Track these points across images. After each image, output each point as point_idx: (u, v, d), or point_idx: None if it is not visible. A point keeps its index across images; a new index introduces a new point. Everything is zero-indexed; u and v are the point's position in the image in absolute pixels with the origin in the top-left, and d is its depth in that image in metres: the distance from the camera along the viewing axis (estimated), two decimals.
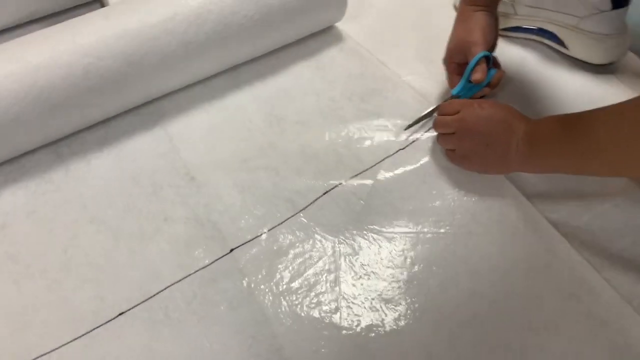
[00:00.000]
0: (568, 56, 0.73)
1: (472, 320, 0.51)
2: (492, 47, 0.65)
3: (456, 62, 0.66)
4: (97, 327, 0.51)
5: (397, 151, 0.64)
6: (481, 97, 0.66)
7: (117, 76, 0.61)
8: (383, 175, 0.62)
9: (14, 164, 0.62)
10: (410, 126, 0.65)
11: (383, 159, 0.63)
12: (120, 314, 0.52)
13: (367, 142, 0.65)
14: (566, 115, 0.51)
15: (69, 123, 0.62)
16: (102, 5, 0.82)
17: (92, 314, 0.52)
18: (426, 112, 0.66)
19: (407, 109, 0.68)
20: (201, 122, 0.68)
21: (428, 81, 0.72)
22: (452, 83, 0.67)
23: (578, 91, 0.71)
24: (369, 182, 0.61)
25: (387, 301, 0.52)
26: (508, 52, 0.76)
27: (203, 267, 0.55)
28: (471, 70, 0.62)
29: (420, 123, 0.66)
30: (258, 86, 0.72)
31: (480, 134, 0.57)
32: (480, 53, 0.61)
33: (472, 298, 0.53)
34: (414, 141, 0.65)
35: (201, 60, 0.67)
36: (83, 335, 0.50)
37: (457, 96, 0.64)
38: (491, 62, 0.64)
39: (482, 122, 0.57)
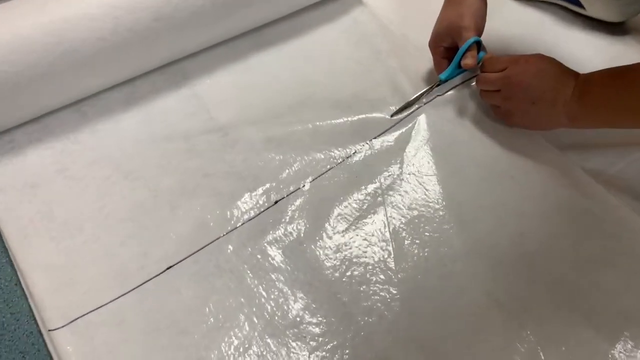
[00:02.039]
0: (584, 17, 0.75)
1: (523, 259, 0.52)
2: (481, 32, 0.63)
3: (444, 46, 0.63)
4: (146, 282, 0.49)
5: (433, 98, 0.65)
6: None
7: (145, 31, 0.59)
8: (421, 124, 0.62)
9: (37, 124, 0.59)
10: (397, 112, 0.63)
11: (416, 109, 0.64)
12: (168, 268, 0.50)
13: (399, 97, 0.65)
14: (615, 68, 0.51)
15: (95, 80, 0.60)
16: None
17: (138, 270, 0.50)
18: (415, 96, 0.64)
19: (430, 68, 0.69)
20: (227, 82, 0.66)
21: None
22: (439, 67, 0.65)
23: (595, 50, 0.73)
24: (406, 131, 0.61)
25: (439, 243, 0.52)
26: (526, 16, 0.77)
27: (250, 219, 0.53)
28: (462, 55, 0.60)
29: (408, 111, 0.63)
30: (282, 47, 0.71)
31: (526, 91, 0.56)
32: (471, 38, 0.59)
33: (522, 238, 0.53)
34: (447, 91, 0.66)
35: (228, 17, 0.65)
36: (133, 289, 0.49)
37: (444, 80, 0.63)
38: (481, 47, 0.62)
39: (528, 80, 0.55)
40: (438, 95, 0.65)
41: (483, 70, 0.61)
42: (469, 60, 0.60)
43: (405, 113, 0.63)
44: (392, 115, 0.63)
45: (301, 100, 0.65)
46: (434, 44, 0.65)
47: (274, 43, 0.71)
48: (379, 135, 0.61)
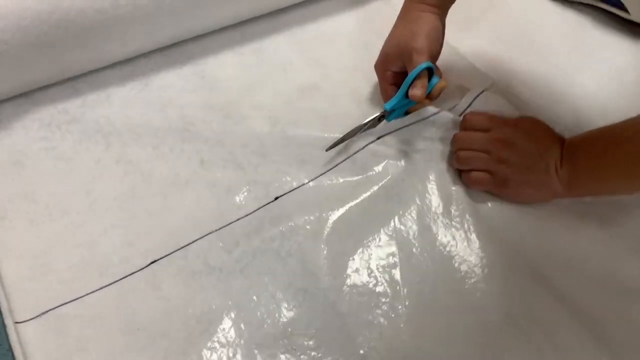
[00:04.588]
0: (627, 22, 0.69)
1: (544, 279, 0.47)
2: (436, 56, 0.55)
3: (392, 70, 0.55)
4: (128, 276, 0.45)
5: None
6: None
7: (149, 6, 0.55)
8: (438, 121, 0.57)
9: (25, 97, 0.56)
10: (333, 146, 0.52)
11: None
12: (153, 262, 0.46)
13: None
14: (601, 128, 0.47)
15: (91, 55, 0.56)
16: None
17: (121, 261, 0.46)
18: (353, 128, 0.53)
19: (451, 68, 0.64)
20: (234, 62, 0.62)
21: (466, 41, 0.68)
22: (385, 94, 0.56)
23: (634, 56, 0.67)
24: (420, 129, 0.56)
25: (451, 255, 0.47)
26: (563, 18, 0.71)
27: (246, 215, 0.49)
28: (410, 83, 0.51)
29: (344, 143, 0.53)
30: (296, 32, 0.66)
31: (521, 155, 0.49)
32: (422, 64, 0.50)
33: (546, 259, 0.48)
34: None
35: None
36: (112, 283, 0.45)
37: (390, 111, 0.53)
38: (433, 73, 0.53)
39: (522, 142, 0.49)
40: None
41: (463, 127, 0.54)
42: (416, 91, 0.50)
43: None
44: (327, 150, 0.52)
45: (313, 87, 0.60)
46: (380, 66, 0.56)
47: (288, 27, 0.67)
48: (393, 131, 0.55)
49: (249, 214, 0.49)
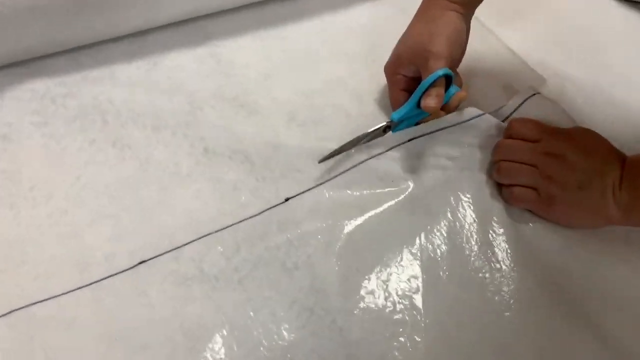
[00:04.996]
0: None
1: (589, 320, 0.40)
2: (456, 63, 0.48)
3: (404, 74, 0.48)
4: (111, 276, 0.40)
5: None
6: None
7: None
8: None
9: (21, 66, 0.50)
10: (327, 158, 0.45)
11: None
12: (141, 262, 0.40)
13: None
14: None
15: (96, 22, 0.50)
16: None
17: (105, 258, 0.40)
18: (352, 139, 0.45)
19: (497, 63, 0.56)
20: (254, 48, 0.56)
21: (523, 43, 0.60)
22: (394, 100, 0.49)
23: None
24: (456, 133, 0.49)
25: (483, 284, 0.41)
26: (625, 18, 0.62)
27: (251, 217, 0.43)
28: (424, 92, 0.44)
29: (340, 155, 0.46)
30: (326, 19, 0.60)
31: (573, 172, 0.42)
32: (439, 71, 0.43)
33: (589, 292, 0.41)
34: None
35: None
36: (92, 283, 0.39)
37: (398, 122, 0.46)
38: (452, 82, 0.46)
39: (575, 158, 0.43)
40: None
41: (507, 134, 0.47)
42: (430, 101, 0.43)
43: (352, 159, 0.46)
44: (320, 161, 0.45)
45: (338, 82, 0.54)
46: (390, 69, 0.49)
47: (317, 14, 0.60)
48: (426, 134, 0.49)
49: (254, 216, 0.43)
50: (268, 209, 0.44)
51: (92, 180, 0.44)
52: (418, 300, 0.40)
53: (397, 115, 0.45)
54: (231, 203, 0.44)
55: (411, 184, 0.45)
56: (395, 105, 0.49)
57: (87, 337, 0.37)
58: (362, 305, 0.39)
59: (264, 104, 0.51)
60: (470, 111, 0.48)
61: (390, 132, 0.47)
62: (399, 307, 0.39)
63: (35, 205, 0.42)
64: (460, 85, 0.48)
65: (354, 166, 0.46)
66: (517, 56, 0.56)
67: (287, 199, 0.44)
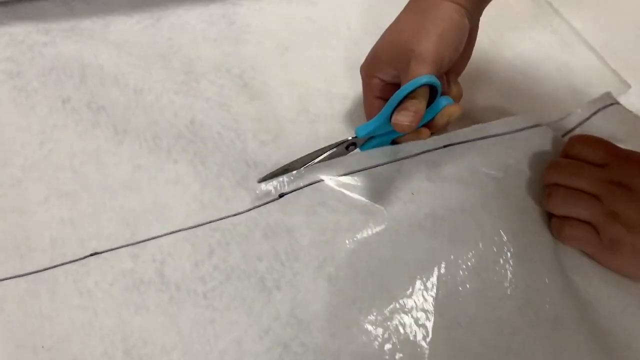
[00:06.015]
0: None
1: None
2: (446, 68, 0.36)
3: (381, 77, 0.38)
4: (56, 267, 0.33)
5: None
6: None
7: None
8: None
9: (5, 6, 0.44)
10: (267, 178, 0.36)
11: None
12: (92, 254, 0.33)
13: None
14: None
15: None
16: None
17: (53, 243, 0.33)
18: (303, 156, 0.36)
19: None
20: (275, 13, 0.48)
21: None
22: (368, 109, 0.40)
23: None
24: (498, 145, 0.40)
25: (511, 340, 0.31)
26: None
27: (234, 214, 0.35)
28: (398, 103, 0.34)
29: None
30: None
31: None
32: (421, 77, 0.33)
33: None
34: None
35: None
36: (31, 273, 0.32)
37: (364, 139, 0.37)
38: (439, 94, 0.36)
39: None
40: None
41: (565, 152, 0.37)
42: (402, 117, 0.33)
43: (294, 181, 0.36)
44: (259, 181, 0.36)
45: None
46: (365, 71, 0.39)
47: None
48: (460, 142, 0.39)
49: (238, 214, 0.35)
50: (256, 206, 0.36)
51: (56, 148, 0.38)
52: (425, 350, 0.31)
53: (362, 130, 0.35)
54: (213, 193, 0.36)
55: (436, 201, 0.35)
56: (369, 115, 0.39)
57: (6, 339, 0.30)
58: (352, 347, 0.31)
59: (273, 86, 0.43)
60: (521, 119, 0.38)
61: (358, 149, 0.37)
62: (398, 356, 0.30)
63: None
64: (457, 98, 0.37)
65: (368, 168, 0.37)
66: (594, 51, 0.45)
67: (281, 195, 0.36)
